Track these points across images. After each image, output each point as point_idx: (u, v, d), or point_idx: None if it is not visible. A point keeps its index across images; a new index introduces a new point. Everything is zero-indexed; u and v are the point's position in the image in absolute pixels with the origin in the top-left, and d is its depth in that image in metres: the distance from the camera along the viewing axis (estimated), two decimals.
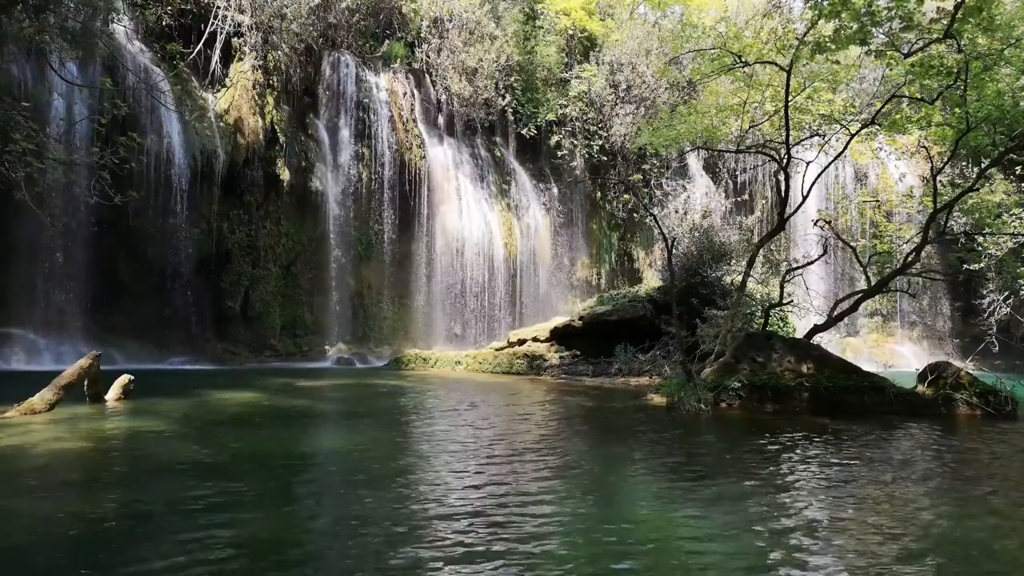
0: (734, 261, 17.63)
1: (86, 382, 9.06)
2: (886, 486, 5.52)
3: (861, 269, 14.14)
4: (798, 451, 7.07)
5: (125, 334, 17.76)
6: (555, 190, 27.15)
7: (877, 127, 12.78)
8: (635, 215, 27.66)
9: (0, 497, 4.76)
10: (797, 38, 11.52)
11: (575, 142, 26.68)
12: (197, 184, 18.82)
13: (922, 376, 10.80)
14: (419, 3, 24.30)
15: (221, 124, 19.67)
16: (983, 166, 12.41)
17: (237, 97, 20.22)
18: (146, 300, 18.22)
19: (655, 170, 27.38)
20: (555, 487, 5.29)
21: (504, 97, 25.35)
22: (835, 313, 12.84)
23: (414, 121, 23.86)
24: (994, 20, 10.33)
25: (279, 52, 21.02)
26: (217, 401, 10.24)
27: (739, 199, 27.49)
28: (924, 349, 26.01)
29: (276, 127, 21.00)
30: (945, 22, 10.26)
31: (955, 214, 15.57)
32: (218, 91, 20.23)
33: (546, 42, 26.75)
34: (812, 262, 14.67)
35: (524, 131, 26.07)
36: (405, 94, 23.86)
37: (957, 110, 11.19)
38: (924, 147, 15.84)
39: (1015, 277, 20.22)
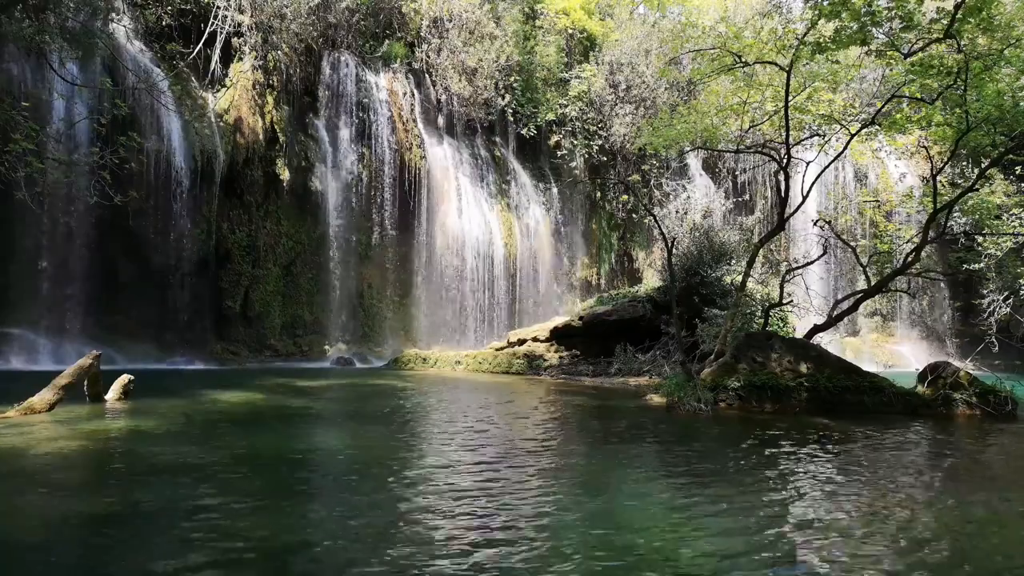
0: (734, 261, 17.63)
1: (86, 382, 9.06)
2: (884, 487, 5.52)
3: (861, 269, 14.14)
4: (797, 451, 7.06)
5: (125, 334, 17.76)
6: (555, 190, 27.15)
7: (877, 127, 12.78)
8: (635, 215, 27.65)
9: (0, 497, 4.76)
10: (797, 38, 11.52)
11: (575, 142, 26.68)
12: (197, 184, 18.83)
13: (922, 376, 10.80)
14: (419, 3, 24.30)
15: (221, 124, 19.67)
16: (983, 166, 12.40)
17: (237, 97, 20.22)
18: (146, 300, 18.22)
19: (655, 170, 27.38)
20: (554, 486, 5.30)
21: (504, 97, 25.35)
22: (835, 313, 12.83)
23: (414, 121, 23.86)
24: (994, 20, 10.33)
25: (279, 52, 21.03)
26: (216, 401, 10.24)
27: (739, 199, 27.49)
28: (924, 349, 26.00)
29: (276, 127, 21.00)
30: (945, 22, 10.27)
31: (955, 214, 15.57)
32: (218, 91, 20.24)
33: (546, 42, 26.76)
34: (812, 262, 14.68)
35: (524, 131, 26.07)
36: (405, 94, 23.86)
37: (957, 110, 11.18)
38: (924, 147, 15.83)
39: (1015, 277, 20.23)
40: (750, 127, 14.66)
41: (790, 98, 11.91)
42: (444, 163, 24.27)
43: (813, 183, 13.20)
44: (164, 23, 19.45)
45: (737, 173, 28.99)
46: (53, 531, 4.08)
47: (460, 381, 15.08)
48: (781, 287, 13.95)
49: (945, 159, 14.63)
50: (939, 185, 12.66)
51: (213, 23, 19.72)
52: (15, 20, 13.30)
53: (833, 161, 14.31)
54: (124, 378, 9.73)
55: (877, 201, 26.73)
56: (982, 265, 20.03)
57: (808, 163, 13.69)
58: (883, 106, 12.48)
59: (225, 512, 4.43)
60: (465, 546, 3.83)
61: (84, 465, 5.92)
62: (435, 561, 3.61)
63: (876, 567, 3.68)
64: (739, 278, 14.37)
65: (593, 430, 8.77)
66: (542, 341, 18.56)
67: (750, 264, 13.25)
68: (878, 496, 5.18)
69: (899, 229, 21.60)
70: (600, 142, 26.79)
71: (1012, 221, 17.65)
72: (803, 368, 10.54)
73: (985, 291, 22.15)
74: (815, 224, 15.82)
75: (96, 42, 15.34)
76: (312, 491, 5.24)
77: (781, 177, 13.16)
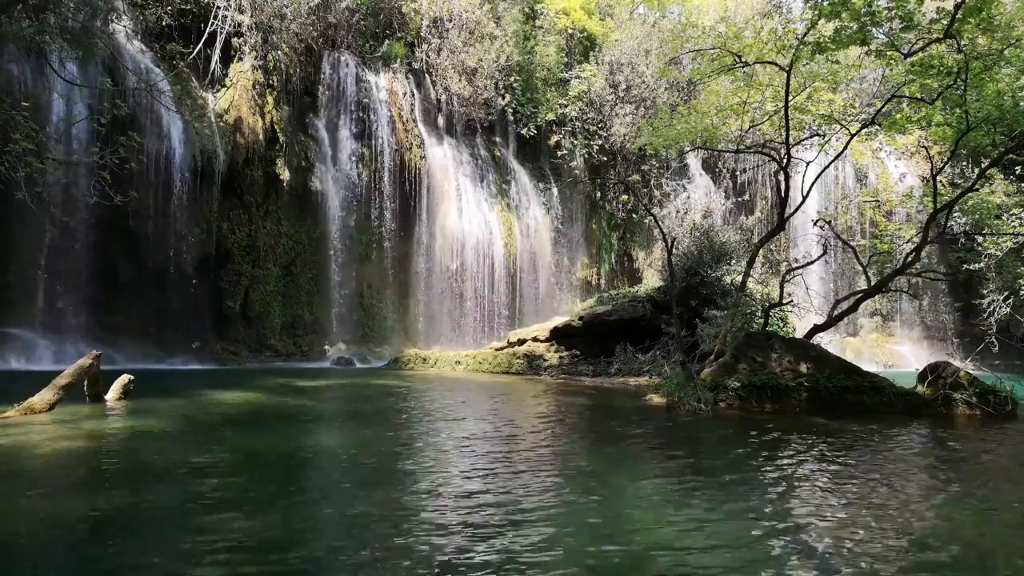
0: (734, 261, 17.63)
1: (86, 382, 9.06)
2: (884, 487, 5.52)
3: (861, 269, 14.14)
4: (796, 452, 7.06)
5: (125, 334, 17.76)
6: (555, 190, 27.15)
7: (877, 127, 12.78)
8: (635, 215, 27.66)
9: (0, 497, 4.76)
10: (797, 38, 11.52)
11: (575, 142, 26.68)
12: (197, 184, 18.83)
13: (922, 376, 10.80)
14: (419, 3, 24.31)
15: (221, 124, 19.68)
16: (983, 166, 12.40)
17: (237, 97, 20.22)
18: (146, 300, 18.22)
19: (655, 170, 27.38)
20: (553, 487, 5.29)
21: (504, 97, 25.36)
22: (835, 313, 12.83)
23: (414, 121, 23.87)
24: (994, 20, 10.33)
25: (279, 52, 21.03)
26: (216, 401, 10.24)
27: (739, 199, 27.50)
28: (924, 349, 26.01)
29: (276, 127, 21.00)
30: (945, 22, 10.27)
31: (955, 214, 15.57)
32: (218, 91, 20.24)
33: (546, 42, 26.76)
34: (812, 262, 14.68)
35: (524, 131, 26.07)
36: (405, 94, 23.86)
37: (957, 110, 11.19)
38: (924, 147, 15.82)
39: (1015, 277, 20.25)
40: (750, 127, 14.66)
41: (790, 98, 11.91)
42: (444, 163, 24.27)
43: (813, 183, 13.21)
44: (164, 23, 19.45)
45: (737, 173, 29.00)
46: (53, 531, 4.07)
47: (460, 381, 15.08)
48: (781, 287, 13.95)
49: (945, 159, 14.63)
50: (939, 185, 12.66)
51: (213, 23, 19.72)
52: (15, 20, 13.31)
53: (833, 161, 14.30)
54: (124, 378, 9.73)
55: (877, 201, 26.74)
56: (982, 265, 20.05)
57: (808, 163, 13.69)
58: (883, 106, 12.48)
59: (225, 512, 4.43)
60: (466, 548, 3.83)
61: (84, 465, 5.92)
62: (436, 563, 3.61)
63: (881, 567, 3.68)
64: (739, 278, 14.37)
65: (593, 430, 8.77)
66: (542, 341, 18.56)
67: (750, 264, 13.25)
68: (880, 496, 5.17)
69: (899, 229, 21.61)
70: (600, 142, 26.79)
71: (1012, 221, 17.67)
72: (803, 368, 10.54)
73: (985, 291, 22.17)
74: (815, 224, 15.82)
75: (96, 42, 15.34)
76: (313, 491, 5.23)
77: (781, 177, 13.16)
